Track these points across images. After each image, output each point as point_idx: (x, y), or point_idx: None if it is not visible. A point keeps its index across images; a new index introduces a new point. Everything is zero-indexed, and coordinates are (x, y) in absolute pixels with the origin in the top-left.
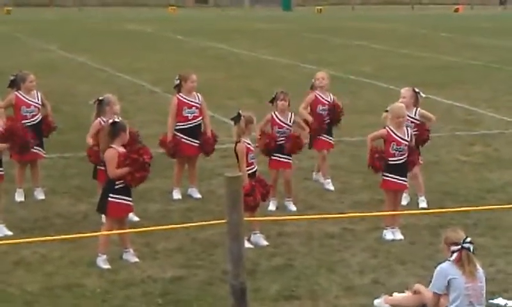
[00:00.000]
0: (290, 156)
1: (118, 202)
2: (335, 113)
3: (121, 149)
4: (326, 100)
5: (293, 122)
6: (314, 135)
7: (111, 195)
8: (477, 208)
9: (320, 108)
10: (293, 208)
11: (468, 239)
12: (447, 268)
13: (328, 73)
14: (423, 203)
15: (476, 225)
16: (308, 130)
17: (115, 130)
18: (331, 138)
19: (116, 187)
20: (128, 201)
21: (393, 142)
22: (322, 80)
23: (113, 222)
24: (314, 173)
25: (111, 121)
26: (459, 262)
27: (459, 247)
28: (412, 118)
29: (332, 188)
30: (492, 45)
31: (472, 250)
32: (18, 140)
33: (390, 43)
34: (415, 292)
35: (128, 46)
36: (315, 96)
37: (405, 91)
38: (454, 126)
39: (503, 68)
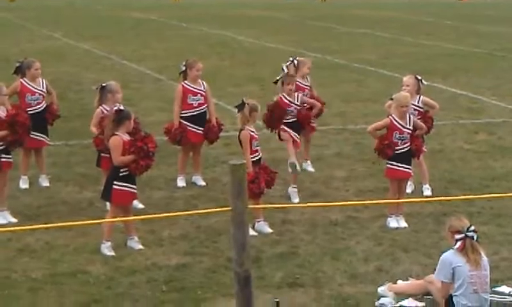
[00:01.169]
0: (298, 134)
1: (122, 189)
2: (319, 113)
3: (126, 137)
4: (305, 86)
5: (301, 102)
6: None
7: (116, 182)
8: (481, 196)
9: (301, 93)
10: (296, 199)
11: (472, 228)
12: (451, 257)
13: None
14: (427, 191)
15: (480, 213)
16: (319, 104)
17: (120, 117)
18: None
19: (121, 174)
20: (133, 188)
21: (396, 131)
22: (307, 70)
23: (118, 210)
24: (303, 163)
25: (116, 108)
26: (463, 250)
27: (463, 235)
28: (415, 105)
29: (312, 169)
30: (496, 33)
31: (475, 238)
32: (19, 132)
33: (394, 31)
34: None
35: (133, 33)
36: (295, 83)
37: (408, 79)
38: (458, 114)
39: (507, 56)
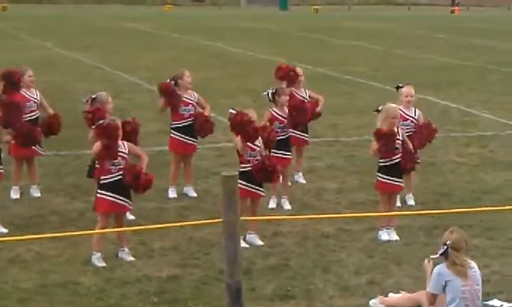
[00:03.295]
0: (290, 152)
1: (103, 198)
2: (313, 115)
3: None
4: (302, 97)
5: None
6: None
7: (98, 190)
8: (472, 210)
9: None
10: (288, 206)
11: (448, 242)
12: (443, 271)
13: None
14: (411, 201)
15: (471, 226)
16: (322, 99)
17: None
18: (306, 135)
19: (101, 182)
20: (117, 198)
21: None
22: (301, 77)
23: (106, 219)
24: (295, 175)
25: (95, 125)
26: (446, 262)
27: (445, 248)
28: (412, 117)
29: (303, 181)
30: (488, 46)
31: (448, 253)
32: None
33: (386, 43)
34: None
35: (125, 44)
36: (291, 93)
37: (411, 90)
38: (449, 127)
39: (499, 69)
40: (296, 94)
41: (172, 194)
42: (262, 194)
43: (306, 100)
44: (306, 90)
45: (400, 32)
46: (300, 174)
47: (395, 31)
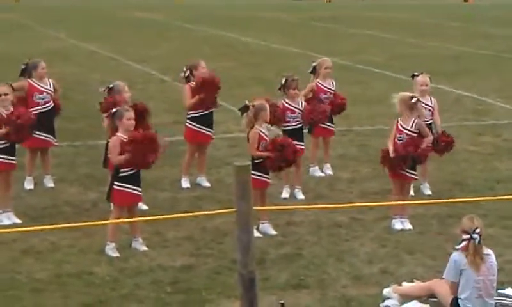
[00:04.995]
0: (303, 142)
1: (122, 190)
2: (338, 106)
3: (122, 136)
4: (327, 88)
5: (304, 107)
6: (316, 123)
7: (116, 183)
8: (486, 198)
9: (322, 96)
10: (301, 196)
11: (478, 230)
12: (459, 259)
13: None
14: (427, 190)
15: (485, 215)
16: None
17: (113, 120)
18: (331, 125)
19: (120, 174)
20: (134, 189)
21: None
22: (328, 70)
23: (121, 210)
24: (311, 167)
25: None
26: (465, 251)
27: (469, 236)
28: (428, 105)
29: (331, 172)
30: (502, 34)
31: (478, 241)
32: (23, 128)
33: (400, 32)
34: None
35: (138, 34)
36: (317, 84)
37: (426, 78)
38: (463, 116)
39: None
40: (322, 86)
41: (185, 184)
42: (270, 182)
43: (332, 92)
44: (333, 81)
45: (414, 21)
46: (328, 165)
47: (409, 19)
